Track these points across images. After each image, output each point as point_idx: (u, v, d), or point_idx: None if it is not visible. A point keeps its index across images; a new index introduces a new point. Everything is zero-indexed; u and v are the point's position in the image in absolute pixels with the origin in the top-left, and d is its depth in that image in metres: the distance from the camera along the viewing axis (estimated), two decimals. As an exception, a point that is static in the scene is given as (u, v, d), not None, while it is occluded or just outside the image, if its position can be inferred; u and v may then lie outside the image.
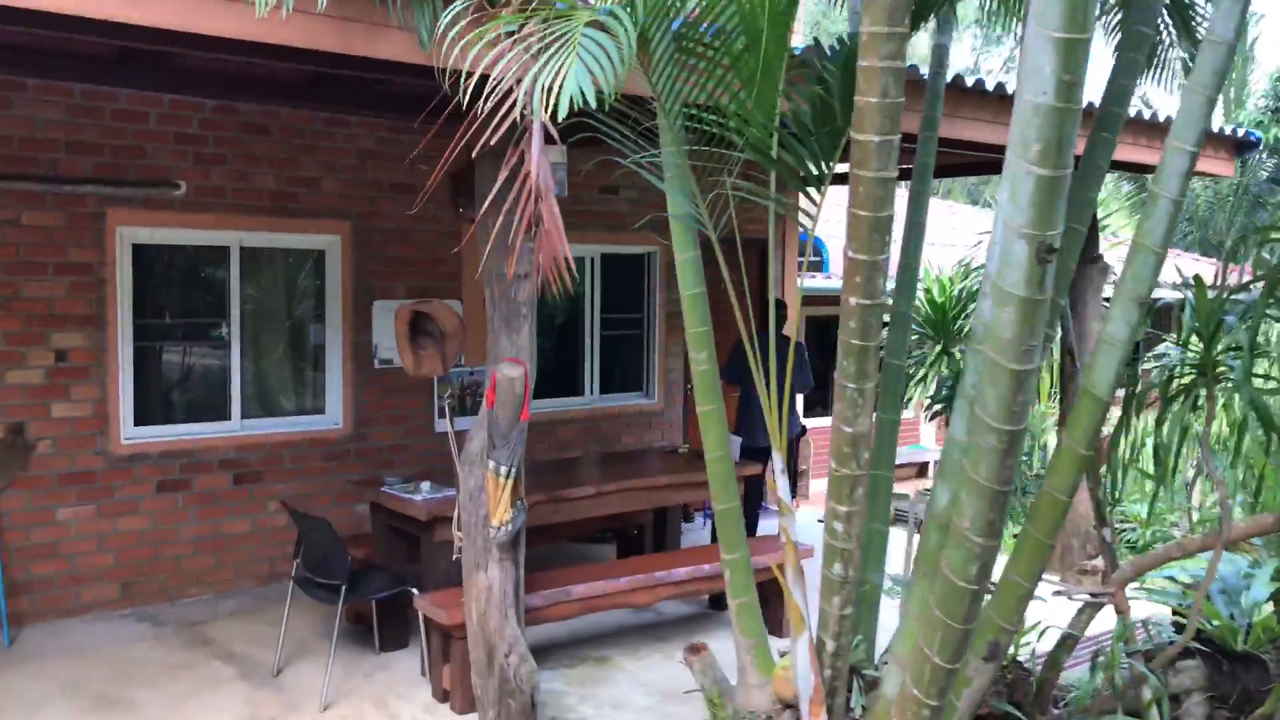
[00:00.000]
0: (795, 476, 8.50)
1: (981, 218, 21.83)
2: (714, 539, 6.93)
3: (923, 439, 16.38)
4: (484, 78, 3.55)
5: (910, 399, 12.65)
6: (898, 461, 14.86)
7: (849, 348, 2.67)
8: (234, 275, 6.91)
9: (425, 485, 5.81)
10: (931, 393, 11.94)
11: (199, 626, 6.32)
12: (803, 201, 3.79)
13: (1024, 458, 12.58)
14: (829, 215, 15.60)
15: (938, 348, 11.88)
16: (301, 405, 7.32)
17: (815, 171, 3.51)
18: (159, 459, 6.66)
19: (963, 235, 17.27)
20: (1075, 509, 7.81)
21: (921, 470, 15.82)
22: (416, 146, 7.48)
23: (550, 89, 2.33)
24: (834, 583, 3.47)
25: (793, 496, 8.51)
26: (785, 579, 3.90)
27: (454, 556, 5.03)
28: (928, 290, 12.23)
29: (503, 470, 4.68)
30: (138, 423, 6.61)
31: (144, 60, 5.33)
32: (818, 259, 11.96)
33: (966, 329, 11.95)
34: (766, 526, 8.09)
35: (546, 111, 2.35)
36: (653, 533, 7.25)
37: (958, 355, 11.90)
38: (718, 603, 6.59)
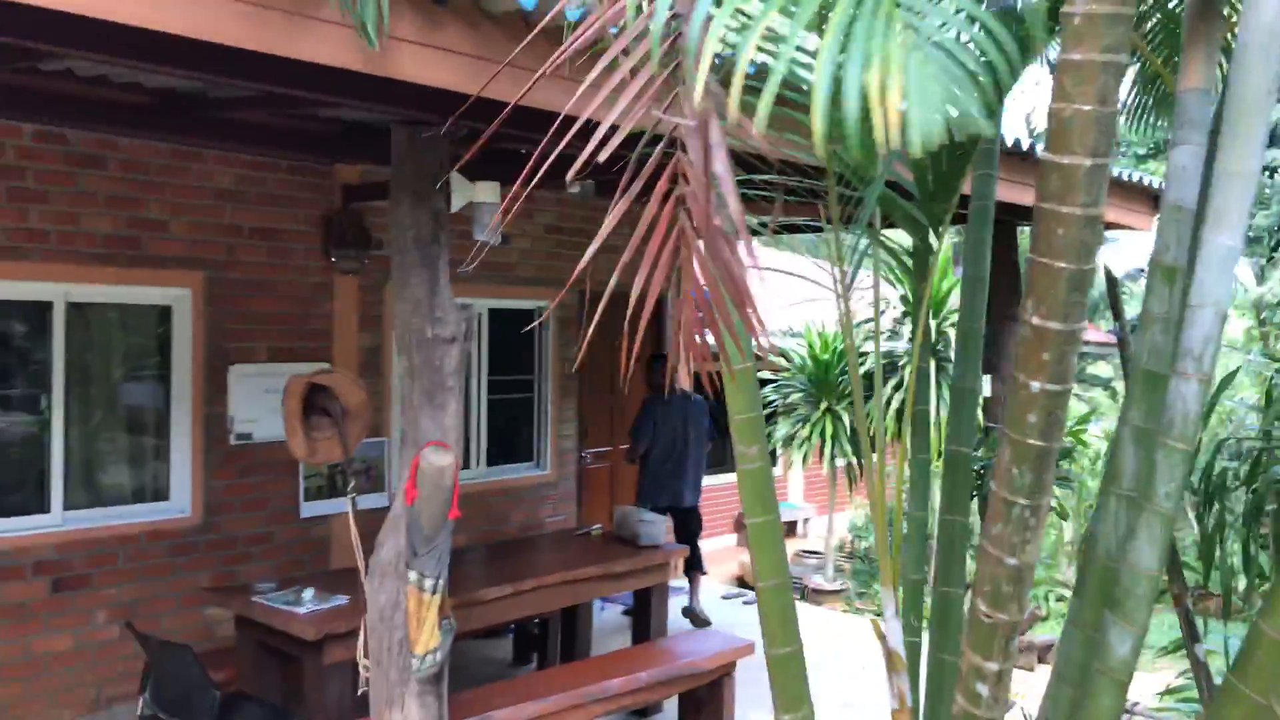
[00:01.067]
0: (695, 547, 7.75)
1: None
2: (636, 634, 6.10)
3: (790, 495, 16.00)
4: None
5: (775, 450, 12.23)
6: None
7: (1021, 451, 1.95)
8: (57, 336, 5.70)
9: (307, 594, 4.77)
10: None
11: (7, 778, 5.03)
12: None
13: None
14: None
15: (822, 406, 11.49)
16: (140, 490, 6.11)
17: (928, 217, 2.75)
18: (-45, 564, 5.36)
19: (815, 290, 17.16)
20: (1004, 582, 7.34)
21: (790, 529, 15.41)
22: (281, 185, 6.49)
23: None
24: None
25: (693, 570, 7.80)
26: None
27: (359, 691, 4.03)
28: (810, 346, 11.86)
29: (427, 584, 3.75)
30: (-73, 520, 5.30)
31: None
32: (710, 315, 11.43)
33: (847, 386, 11.62)
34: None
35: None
36: (561, 630, 6.35)
37: (843, 412, 11.54)
38: (643, 714, 5.74)
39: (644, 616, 6.08)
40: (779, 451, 15.43)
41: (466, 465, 7.68)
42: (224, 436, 6.26)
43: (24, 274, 5.52)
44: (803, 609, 8.76)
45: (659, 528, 6.10)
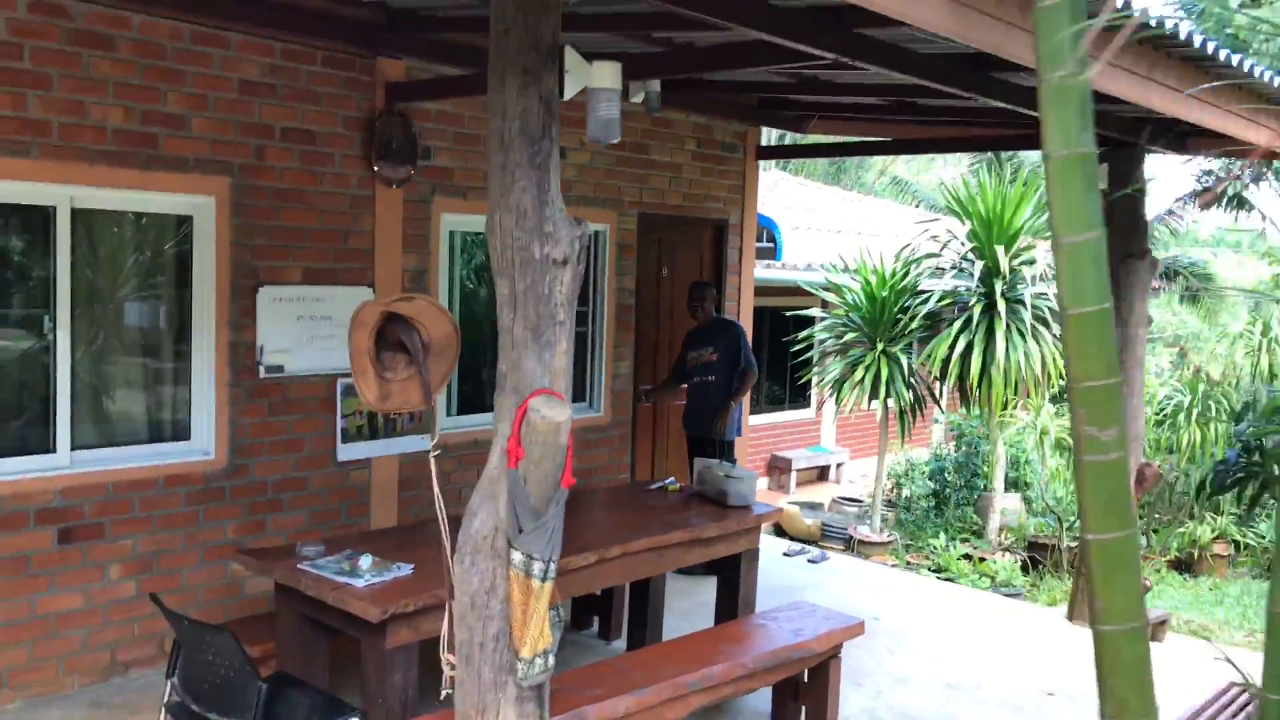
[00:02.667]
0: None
1: (891, 209, 21.05)
2: (721, 608, 5.38)
3: (824, 439, 15.29)
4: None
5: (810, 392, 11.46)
6: (799, 465, 13.52)
7: None
8: (61, 246, 4.87)
9: (365, 562, 4.00)
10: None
11: (8, 761, 4.34)
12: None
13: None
14: (777, 198, 14.14)
15: (878, 347, 10.69)
16: (157, 429, 5.33)
17: None
18: (-55, 512, 4.60)
19: (873, 225, 16.26)
20: None
21: (822, 474, 14.73)
22: (316, 79, 5.61)
23: None
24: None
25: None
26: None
27: (442, 693, 3.29)
28: (865, 282, 11.03)
29: (536, 568, 2.98)
30: (-89, 460, 4.54)
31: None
32: (770, 244, 10.54)
33: (906, 325, 10.81)
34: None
35: None
36: (629, 607, 5.63)
37: (899, 354, 10.75)
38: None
39: (732, 587, 5.34)
40: (813, 392, 14.74)
41: (515, 405, 6.90)
42: (252, 368, 5.47)
43: (21, 173, 4.67)
44: (889, 574, 8.05)
45: (750, 485, 5.34)
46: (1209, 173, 21.08)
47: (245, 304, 5.42)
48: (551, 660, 3.04)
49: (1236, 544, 10.00)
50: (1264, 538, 9.99)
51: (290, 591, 4.07)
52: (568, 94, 3.17)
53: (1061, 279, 1.76)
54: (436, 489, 3.26)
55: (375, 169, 5.84)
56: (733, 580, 5.33)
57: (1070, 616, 6.79)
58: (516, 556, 2.99)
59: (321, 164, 5.66)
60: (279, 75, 5.45)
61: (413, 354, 3.20)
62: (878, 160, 28.87)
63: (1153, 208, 23.09)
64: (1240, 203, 19.62)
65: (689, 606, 6.44)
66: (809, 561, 7.86)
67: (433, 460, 3.23)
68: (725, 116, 7.92)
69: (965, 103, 6.97)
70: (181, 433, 5.36)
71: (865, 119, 7.95)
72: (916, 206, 22.81)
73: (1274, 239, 20.99)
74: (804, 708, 4.91)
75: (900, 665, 5.80)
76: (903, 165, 28.72)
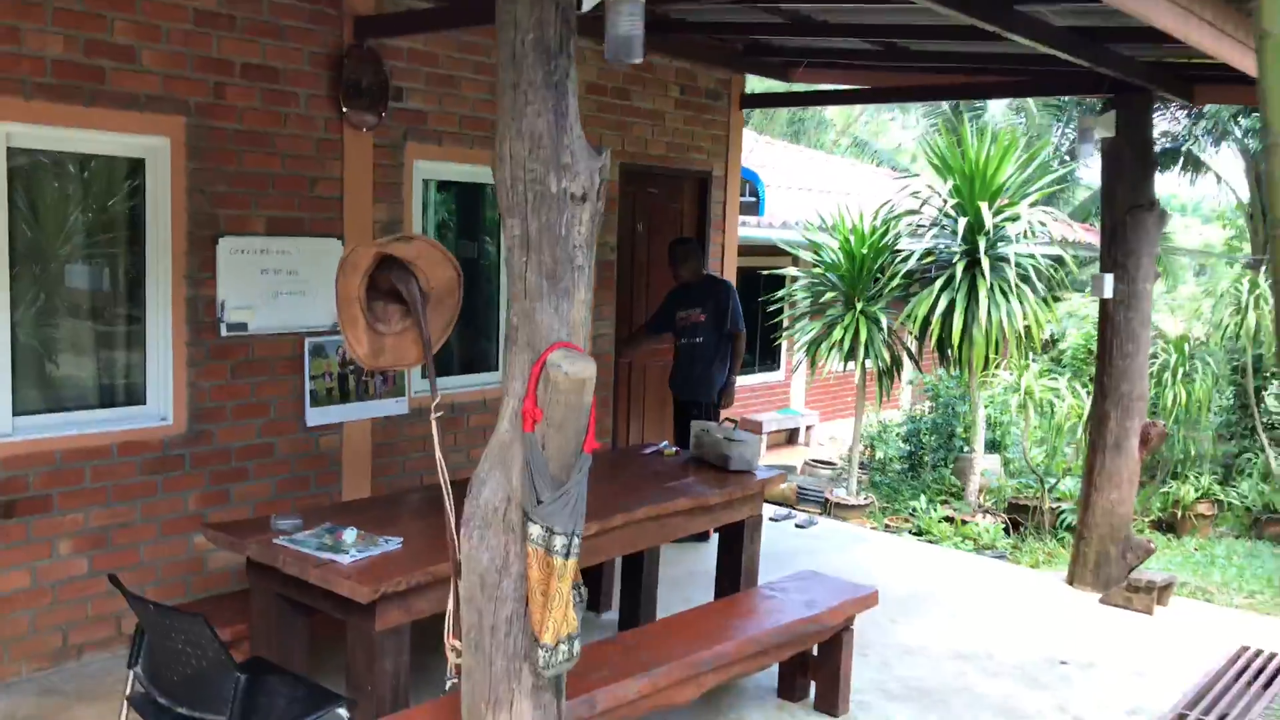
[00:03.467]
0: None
1: (857, 168, 20.80)
2: (722, 579, 5.08)
3: (793, 402, 15.05)
4: None
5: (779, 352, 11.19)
6: (769, 428, 13.27)
7: None
8: (-3, 192, 4.39)
9: (349, 535, 3.63)
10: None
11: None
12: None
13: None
14: (762, 150, 13.67)
15: (857, 307, 10.40)
16: (109, 392, 4.89)
17: None
18: (-128, 485, 4.14)
19: (842, 184, 15.93)
20: (1114, 509, 6.44)
21: (791, 437, 14.51)
22: (279, 11, 5.15)
23: None
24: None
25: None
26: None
27: (447, 683, 2.93)
28: (844, 240, 10.71)
29: (557, 543, 2.64)
30: None
31: None
32: (752, 199, 10.17)
33: (886, 285, 10.53)
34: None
35: None
36: (621, 577, 5.31)
37: (879, 314, 10.48)
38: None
39: (734, 557, 5.03)
40: (783, 354, 14.47)
41: (491, 366, 6.52)
42: (212, 326, 5.03)
43: (-50, 107, 4.18)
44: (879, 538, 7.79)
45: (753, 449, 5.02)
46: (1166, 134, 21.09)
47: (204, 256, 4.97)
48: (577, 647, 2.70)
49: (1220, 503, 9.91)
50: (1246, 497, 9.91)
51: (265, 569, 3.69)
52: (586, 5, 2.79)
53: (1275, 180, 1.42)
54: (439, 453, 2.89)
55: (344, 111, 5.39)
56: (735, 549, 5.02)
57: (1070, 580, 6.59)
58: (535, 530, 2.64)
59: (286, 104, 5.20)
60: (238, 5, 4.97)
61: (410, 303, 2.82)
62: (837, 120, 28.65)
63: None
64: (1196, 165, 19.58)
65: (678, 575, 6.14)
66: (796, 526, 7.60)
67: (434, 422, 2.86)
68: (708, 62, 7.52)
69: (957, 46, 6.67)
70: (136, 397, 4.92)
71: (856, 66, 7.60)
72: (878, 166, 22.63)
73: (1228, 201, 21.02)
74: (813, 683, 4.63)
75: (906, 635, 5.55)
76: (861, 126, 28.55)
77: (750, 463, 5.01)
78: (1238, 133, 18.04)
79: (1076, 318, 12.66)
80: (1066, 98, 20.43)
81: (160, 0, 4.70)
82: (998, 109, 21.97)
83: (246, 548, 3.70)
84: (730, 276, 8.07)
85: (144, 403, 4.93)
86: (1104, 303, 6.39)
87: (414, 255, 2.77)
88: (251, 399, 5.22)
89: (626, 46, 2.93)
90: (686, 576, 6.19)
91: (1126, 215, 6.23)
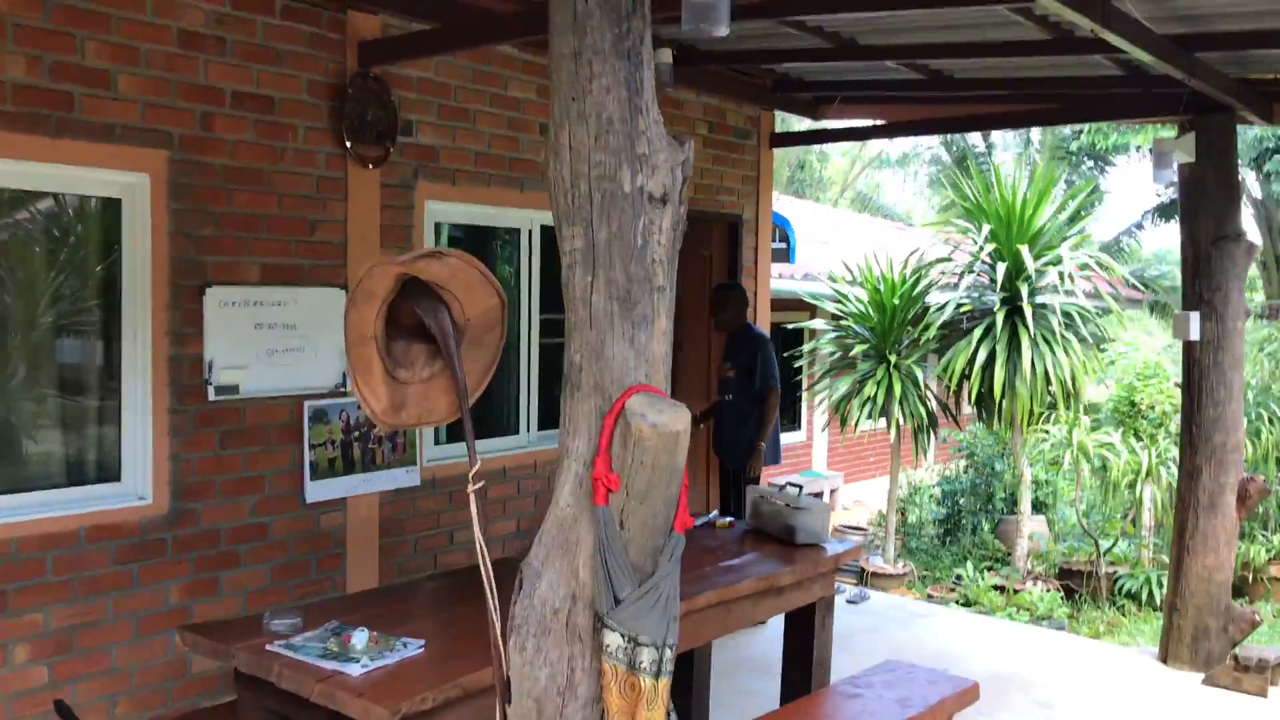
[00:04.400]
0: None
1: (867, 222, 20.42)
2: (790, 672, 4.38)
3: (815, 464, 14.35)
4: None
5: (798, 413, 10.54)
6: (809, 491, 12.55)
7: None
8: (-54, 236, 3.78)
9: (359, 639, 2.94)
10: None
11: None
12: None
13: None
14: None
15: (891, 359, 9.78)
16: (78, 470, 4.22)
17: None
18: None
19: (856, 238, 15.39)
20: (1210, 576, 5.74)
21: (815, 500, 13.78)
22: (275, 34, 4.61)
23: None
24: None
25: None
26: None
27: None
28: (873, 290, 10.13)
29: (645, 657, 1.97)
30: None
31: None
32: (783, 245, 9.59)
33: (919, 336, 9.92)
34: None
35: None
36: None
37: (913, 368, 9.85)
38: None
39: (804, 645, 4.31)
40: (805, 412, 13.80)
41: (512, 430, 5.87)
42: (198, 389, 4.38)
43: (-110, 138, 3.59)
44: (938, 613, 7.01)
45: (821, 518, 4.35)
46: (1170, 185, 20.74)
47: (189, 310, 4.34)
48: (673, 797, 2.02)
49: (1295, 564, 9.20)
50: (1321, 556, 9.19)
51: (257, 683, 2.99)
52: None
53: None
54: (479, 535, 2.23)
55: (347, 145, 4.81)
56: (806, 636, 4.31)
57: (1164, 658, 5.86)
58: (612, 640, 1.98)
59: (282, 137, 4.61)
60: (229, 26, 4.41)
61: (440, 341, 2.18)
62: (835, 178, 28.41)
63: (1121, 221, 22.69)
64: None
65: (726, 662, 5.42)
66: (848, 602, 6.88)
67: (472, 497, 2.20)
68: (737, 99, 6.99)
69: (1001, 72, 6.15)
70: (110, 473, 4.26)
71: (892, 99, 7.07)
72: (887, 219, 22.27)
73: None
74: (909, 796, 3.90)
75: (1000, 731, 4.83)
76: (861, 182, 28.37)
77: (819, 535, 4.34)
78: (1251, 179, 17.63)
79: (1115, 366, 12.05)
80: (1076, 145, 20.14)
81: (139, 19, 4.14)
82: (1003, 161, 21.64)
83: (234, 656, 3.00)
84: (764, 327, 7.46)
85: (118, 479, 4.26)
86: (1189, 345, 5.77)
87: (446, 277, 2.14)
88: (243, 472, 4.55)
89: (707, 13, 2.34)
90: (736, 664, 5.48)
91: (1212, 247, 5.63)
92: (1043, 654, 6.04)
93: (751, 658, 5.39)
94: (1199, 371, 5.70)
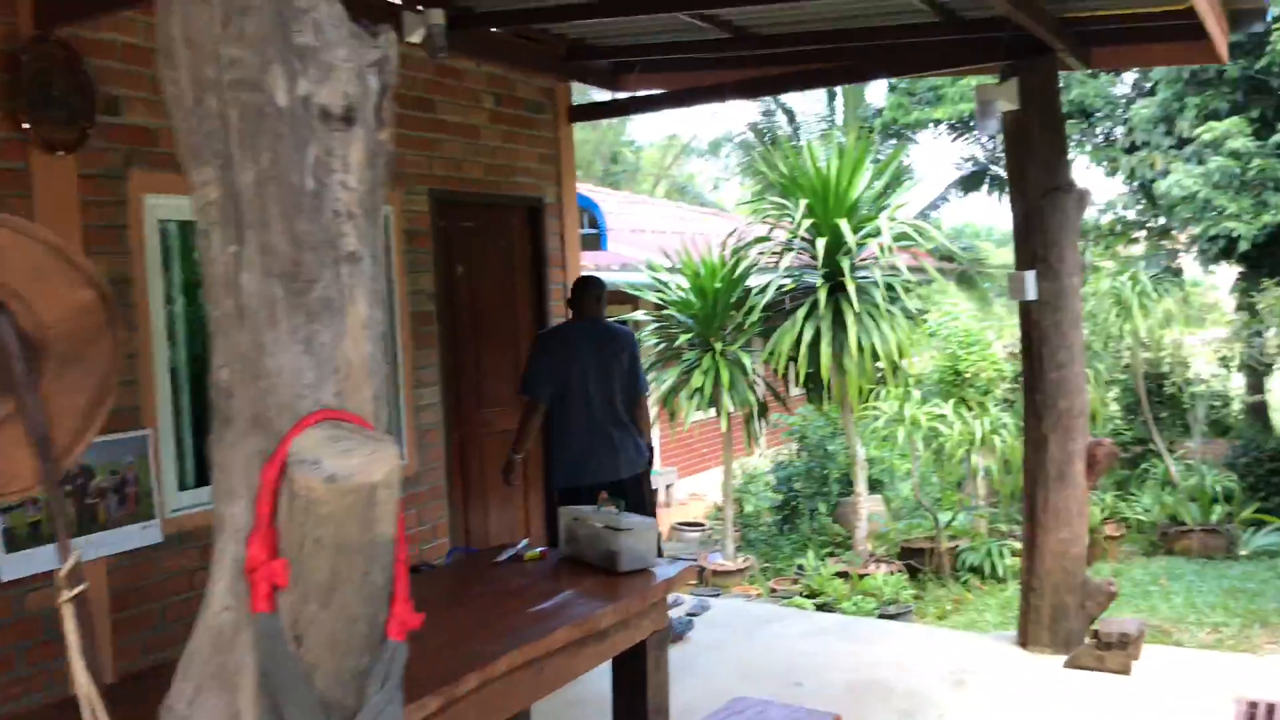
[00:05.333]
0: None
1: (680, 210, 20.04)
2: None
3: (647, 461, 13.77)
4: None
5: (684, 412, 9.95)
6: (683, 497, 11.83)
7: None
8: None
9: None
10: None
11: None
12: None
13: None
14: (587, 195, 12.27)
15: (716, 349, 9.26)
16: None
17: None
18: None
19: (671, 225, 14.88)
20: (1065, 550, 5.40)
21: (649, 498, 13.23)
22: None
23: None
24: None
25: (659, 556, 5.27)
26: None
27: None
28: (693, 275, 9.58)
29: None
30: None
31: None
32: (593, 231, 8.88)
33: (743, 321, 9.44)
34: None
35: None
36: None
37: (740, 354, 9.37)
38: None
39: (634, 692, 3.60)
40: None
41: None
42: None
43: None
44: (778, 613, 6.28)
45: (648, 537, 3.65)
46: (971, 158, 21.27)
47: None
48: None
49: (1125, 521, 9.18)
50: (1149, 511, 9.21)
51: None
52: None
53: None
54: (78, 661, 1.40)
55: (23, 126, 3.82)
56: (637, 680, 3.61)
57: (1024, 642, 5.48)
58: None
59: (-69, 119, 3.59)
60: None
61: (10, 363, 1.34)
62: (648, 167, 28.18)
63: (924, 195, 23.15)
64: (1003, 186, 19.73)
65: (551, 706, 4.66)
66: (688, 615, 6.24)
67: (65, 612, 1.37)
68: (526, 68, 6.26)
69: (807, 26, 5.69)
70: None
71: (696, 62, 6.48)
72: (703, 207, 22.08)
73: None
74: None
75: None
76: (676, 171, 28.30)
77: (647, 558, 3.64)
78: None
79: (937, 337, 11.96)
80: (880, 123, 20.34)
81: None
82: (810, 141, 21.75)
83: None
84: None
85: None
86: (1025, 307, 5.39)
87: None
88: (-93, 551, 3.51)
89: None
90: (566, 706, 4.73)
91: (1042, 200, 5.25)
92: (898, 652, 5.56)
93: (577, 700, 4.65)
94: (1039, 334, 5.32)
